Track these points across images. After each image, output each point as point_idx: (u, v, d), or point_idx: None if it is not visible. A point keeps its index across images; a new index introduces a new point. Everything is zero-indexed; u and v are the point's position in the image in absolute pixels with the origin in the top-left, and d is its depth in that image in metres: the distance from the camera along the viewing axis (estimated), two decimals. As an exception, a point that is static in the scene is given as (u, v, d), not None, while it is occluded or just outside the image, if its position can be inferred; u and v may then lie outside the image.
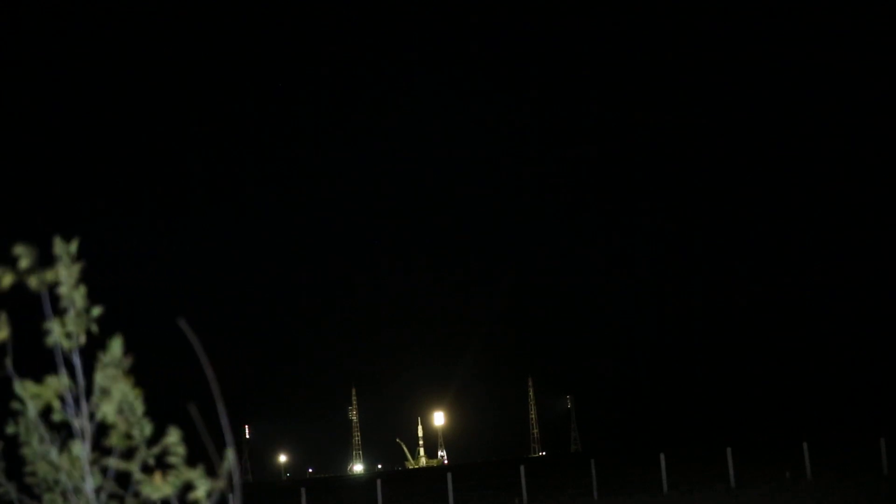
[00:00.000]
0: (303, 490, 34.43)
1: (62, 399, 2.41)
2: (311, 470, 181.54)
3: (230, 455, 2.27)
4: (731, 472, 34.21)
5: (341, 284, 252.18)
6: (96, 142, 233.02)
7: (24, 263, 2.36)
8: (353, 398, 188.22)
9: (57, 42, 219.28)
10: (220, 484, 2.33)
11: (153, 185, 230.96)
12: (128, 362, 2.41)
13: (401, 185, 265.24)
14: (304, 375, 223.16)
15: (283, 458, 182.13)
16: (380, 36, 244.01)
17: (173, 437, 2.35)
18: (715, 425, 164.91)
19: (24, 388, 2.38)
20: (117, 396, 2.35)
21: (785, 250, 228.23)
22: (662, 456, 34.66)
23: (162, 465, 2.37)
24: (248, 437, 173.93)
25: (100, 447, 2.43)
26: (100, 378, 2.37)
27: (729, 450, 34.50)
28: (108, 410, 2.36)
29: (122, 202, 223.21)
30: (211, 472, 2.32)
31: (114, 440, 2.37)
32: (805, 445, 35.58)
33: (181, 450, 2.35)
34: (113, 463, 2.38)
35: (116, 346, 2.42)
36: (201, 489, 2.33)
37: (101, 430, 2.41)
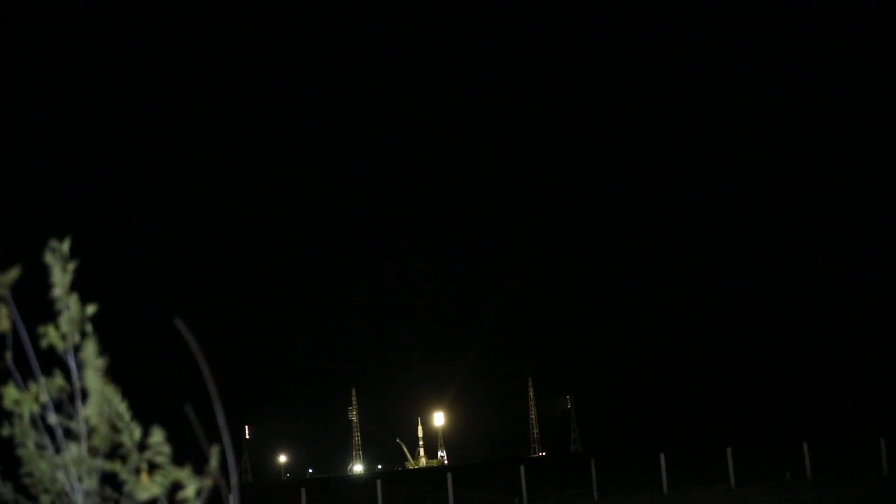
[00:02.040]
0: (303, 490, 34.49)
1: (43, 406, 2.41)
2: (311, 470, 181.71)
3: (215, 453, 2.27)
4: (731, 472, 34.22)
5: (341, 285, 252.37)
6: (96, 141, 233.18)
7: None
8: (354, 398, 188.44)
9: (56, 41, 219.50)
10: (209, 482, 2.33)
11: (152, 184, 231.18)
12: (103, 362, 2.41)
13: (401, 185, 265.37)
14: (304, 375, 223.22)
15: (283, 458, 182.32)
16: (379, 36, 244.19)
17: (157, 436, 2.35)
18: (715, 425, 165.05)
19: (6, 395, 2.39)
20: (96, 398, 2.35)
21: (785, 250, 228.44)
22: (662, 456, 34.66)
23: (150, 464, 2.36)
24: (248, 437, 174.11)
25: (91, 449, 2.41)
26: (84, 380, 2.36)
27: (729, 450, 34.51)
28: (91, 413, 2.36)
29: (121, 201, 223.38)
30: (201, 472, 2.31)
31: (96, 441, 2.37)
32: (805, 445, 35.59)
33: (166, 449, 2.35)
34: (100, 464, 2.37)
35: (90, 347, 2.41)
36: (190, 488, 2.32)
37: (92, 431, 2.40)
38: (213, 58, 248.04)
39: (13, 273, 2.37)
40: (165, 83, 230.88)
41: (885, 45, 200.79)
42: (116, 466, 2.34)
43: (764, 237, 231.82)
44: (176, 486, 2.35)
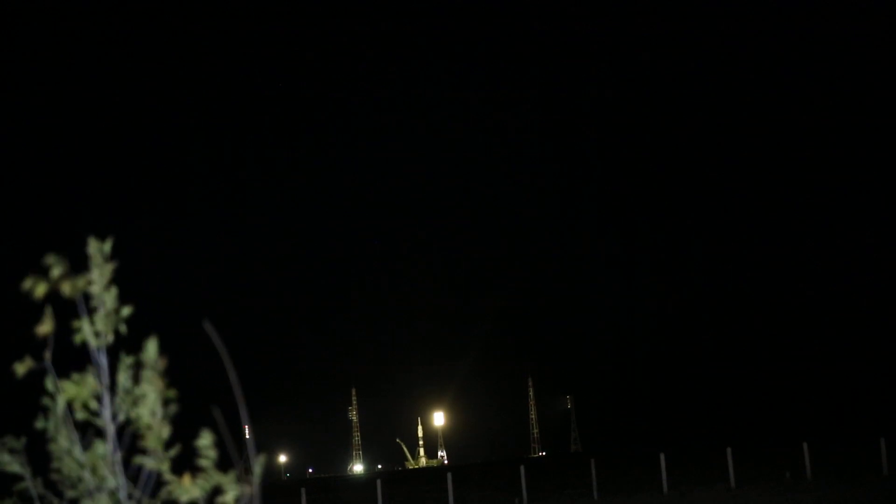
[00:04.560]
0: (303, 490, 34.49)
1: (98, 399, 2.43)
2: (311, 470, 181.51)
3: (261, 462, 2.29)
4: (731, 472, 34.24)
5: (341, 285, 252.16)
6: (96, 141, 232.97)
7: (55, 272, 2.39)
8: (354, 398, 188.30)
9: (56, 41, 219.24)
10: (250, 490, 2.33)
11: (152, 184, 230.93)
12: (162, 364, 2.42)
13: (401, 185, 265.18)
14: (304, 375, 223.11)
15: (283, 458, 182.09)
16: (379, 36, 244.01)
17: (205, 440, 2.35)
18: (715, 425, 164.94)
19: (61, 388, 2.40)
20: (152, 399, 2.37)
21: (785, 250, 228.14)
22: (662, 456, 34.68)
23: (192, 467, 2.37)
24: (247, 436, 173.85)
25: (124, 447, 2.44)
26: (144, 381, 2.38)
27: (729, 450, 34.53)
28: (143, 412, 2.37)
29: (121, 201, 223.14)
30: (238, 477, 2.33)
31: (150, 442, 2.38)
32: (805, 445, 35.61)
33: (212, 453, 2.35)
34: (147, 462, 2.38)
35: (152, 347, 2.43)
36: (230, 494, 2.33)
37: (121, 429, 2.44)
38: (213, 58, 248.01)
39: (41, 288, 2.38)
40: (165, 83, 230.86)
41: (885, 45, 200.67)
42: (162, 466, 2.35)
43: (764, 237, 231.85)
44: (214, 491, 2.34)
